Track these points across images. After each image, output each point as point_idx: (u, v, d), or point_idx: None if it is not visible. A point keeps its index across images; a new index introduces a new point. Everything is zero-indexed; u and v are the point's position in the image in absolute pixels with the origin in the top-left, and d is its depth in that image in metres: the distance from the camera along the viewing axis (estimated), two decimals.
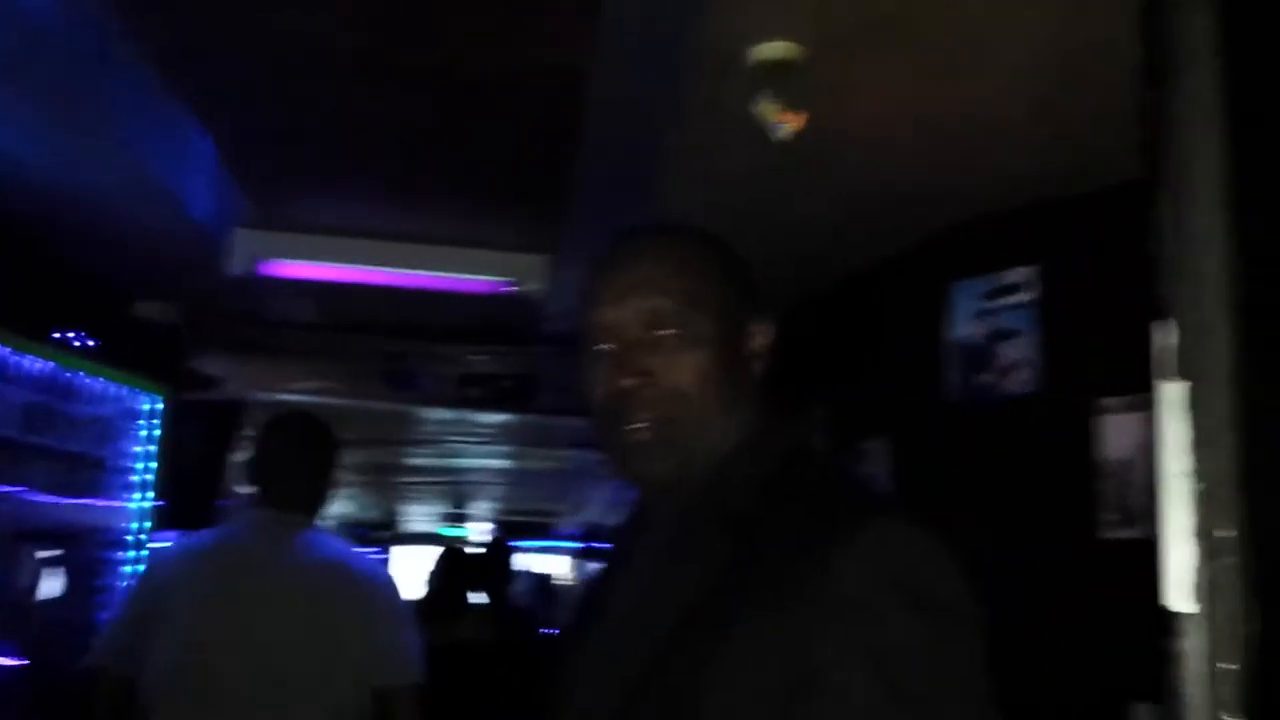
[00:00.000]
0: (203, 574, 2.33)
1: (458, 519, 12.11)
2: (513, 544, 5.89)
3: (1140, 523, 2.52)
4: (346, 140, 2.99)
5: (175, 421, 4.14)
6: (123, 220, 3.45)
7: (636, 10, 2.22)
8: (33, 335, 3.47)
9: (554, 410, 5.28)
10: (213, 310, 4.32)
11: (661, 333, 1.10)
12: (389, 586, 2.47)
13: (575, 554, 12.99)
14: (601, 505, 12.42)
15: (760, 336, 1.18)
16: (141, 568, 3.30)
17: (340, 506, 11.50)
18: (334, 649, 2.26)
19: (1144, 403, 2.57)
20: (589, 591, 1.29)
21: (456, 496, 11.08)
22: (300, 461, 2.46)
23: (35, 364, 3.50)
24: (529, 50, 2.40)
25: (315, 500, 2.47)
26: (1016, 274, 3.10)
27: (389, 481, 9.85)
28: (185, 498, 4.22)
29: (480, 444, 7.75)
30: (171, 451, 4.09)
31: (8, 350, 3.39)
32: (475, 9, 2.26)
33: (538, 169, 3.10)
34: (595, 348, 1.13)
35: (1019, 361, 3.00)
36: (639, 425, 1.09)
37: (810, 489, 1.09)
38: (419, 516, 12.67)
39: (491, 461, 8.81)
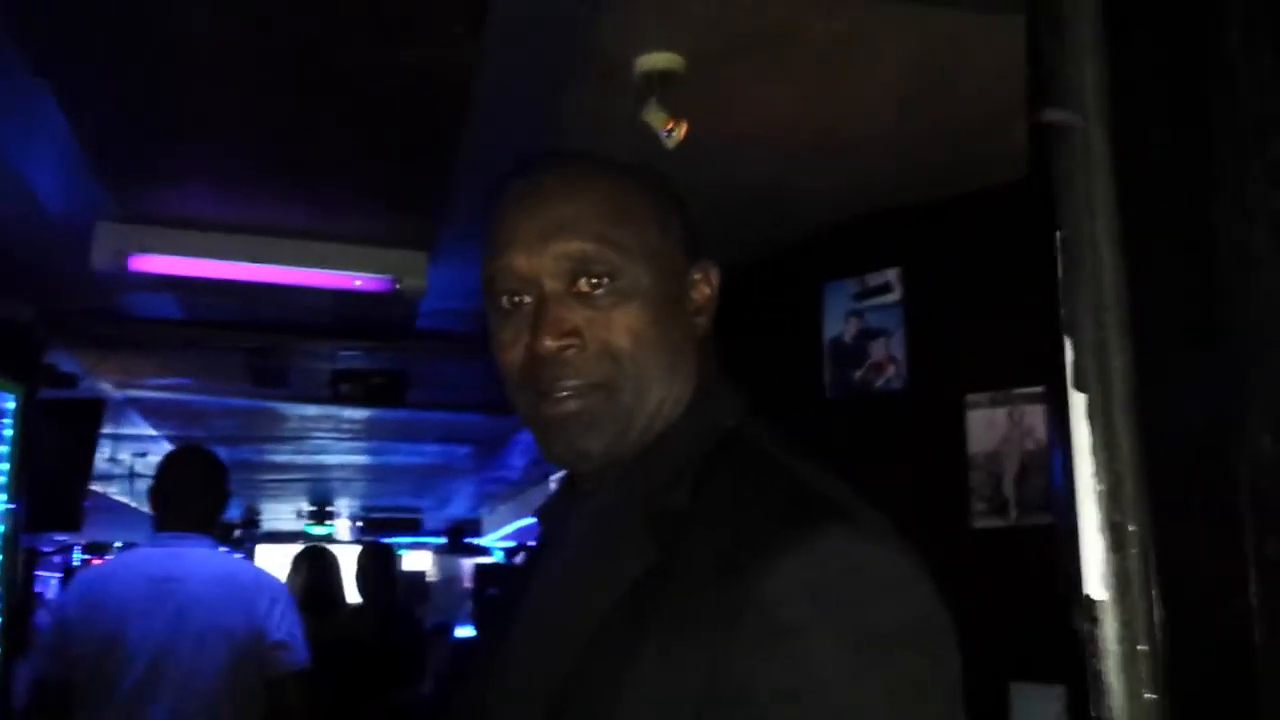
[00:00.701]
0: (119, 590, 2.79)
1: (322, 516, 11.87)
2: (393, 546, 5.84)
3: (1008, 512, 2.70)
4: (216, 131, 2.91)
5: (33, 420, 3.97)
6: None
7: (524, 13, 2.24)
8: None
9: (424, 405, 5.25)
10: (70, 306, 4.14)
11: (587, 284, 0.94)
12: (275, 589, 3.01)
13: (440, 550, 12.89)
14: (467, 500, 12.35)
15: (703, 285, 1.02)
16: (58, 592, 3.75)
17: None
18: (232, 648, 2.76)
19: (1006, 398, 2.77)
20: (507, 585, 1.21)
21: (321, 493, 10.85)
22: (197, 491, 3.01)
23: None
24: (411, 47, 2.39)
25: (209, 522, 3.01)
26: (883, 275, 3.25)
27: (251, 479, 9.59)
28: (47, 498, 4.06)
29: (346, 440, 7.62)
30: (29, 451, 3.92)
31: None
32: (354, 2, 2.24)
33: (416, 166, 3.08)
34: (505, 303, 0.98)
35: (889, 359, 3.14)
36: (564, 395, 0.95)
37: (747, 481, 0.93)
38: (282, 515, 12.36)
39: (357, 458, 8.68)
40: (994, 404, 2.82)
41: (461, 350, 4.48)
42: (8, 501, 3.86)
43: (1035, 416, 2.73)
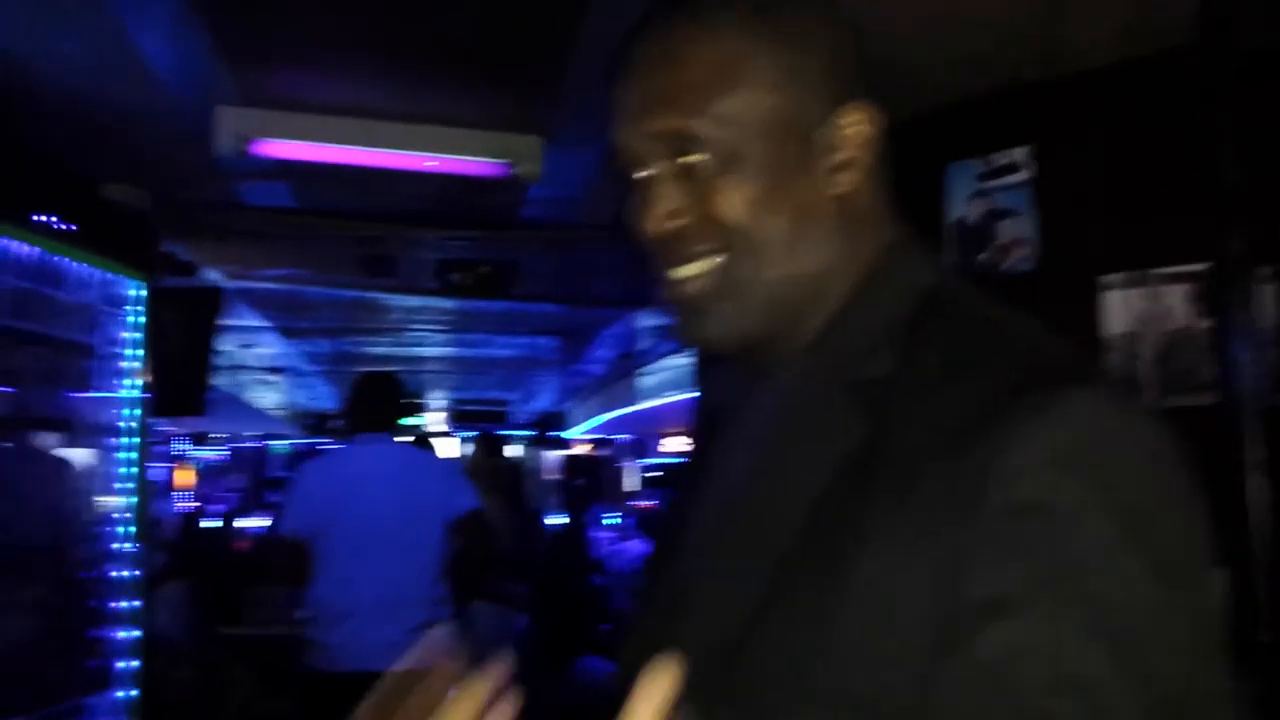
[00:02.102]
0: (340, 472, 3.84)
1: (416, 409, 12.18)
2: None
3: (1148, 393, 2.65)
4: (338, 13, 2.91)
5: (155, 308, 4.08)
6: (95, 98, 3.34)
7: None
8: (13, 219, 3.38)
9: (530, 297, 5.29)
10: (186, 195, 4.22)
11: (689, 161, 0.87)
12: (448, 464, 4.36)
13: (528, 442, 13.14)
14: (552, 394, 12.53)
15: (851, 132, 0.88)
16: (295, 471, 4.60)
17: (296, 397, 11.45)
18: (423, 511, 3.73)
19: (1144, 279, 2.70)
20: (677, 490, 1.08)
21: (414, 386, 11.09)
22: (386, 403, 3.96)
23: (18, 249, 3.42)
24: None
25: (392, 424, 3.98)
26: (1010, 154, 3.15)
27: (349, 372, 9.82)
28: (171, 386, 4.19)
29: (442, 332, 7.74)
30: (155, 339, 4.04)
31: None
32: None
33: (535, 47, 3.05)
34: (630, 176, 0.91)
35: (1016, 240, 3.07)
36: (680, 278, 0.89)
37: (965, 343, 0.83)
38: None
39: (451, 350, 8.81)
40: (1130, 284, 2.74)
41: (568, 240, 4.49)
42: (137, 387, 4.00)
43: (1175, 297, 2.65)
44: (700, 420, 1.08)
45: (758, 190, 0.85)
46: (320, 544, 3.70)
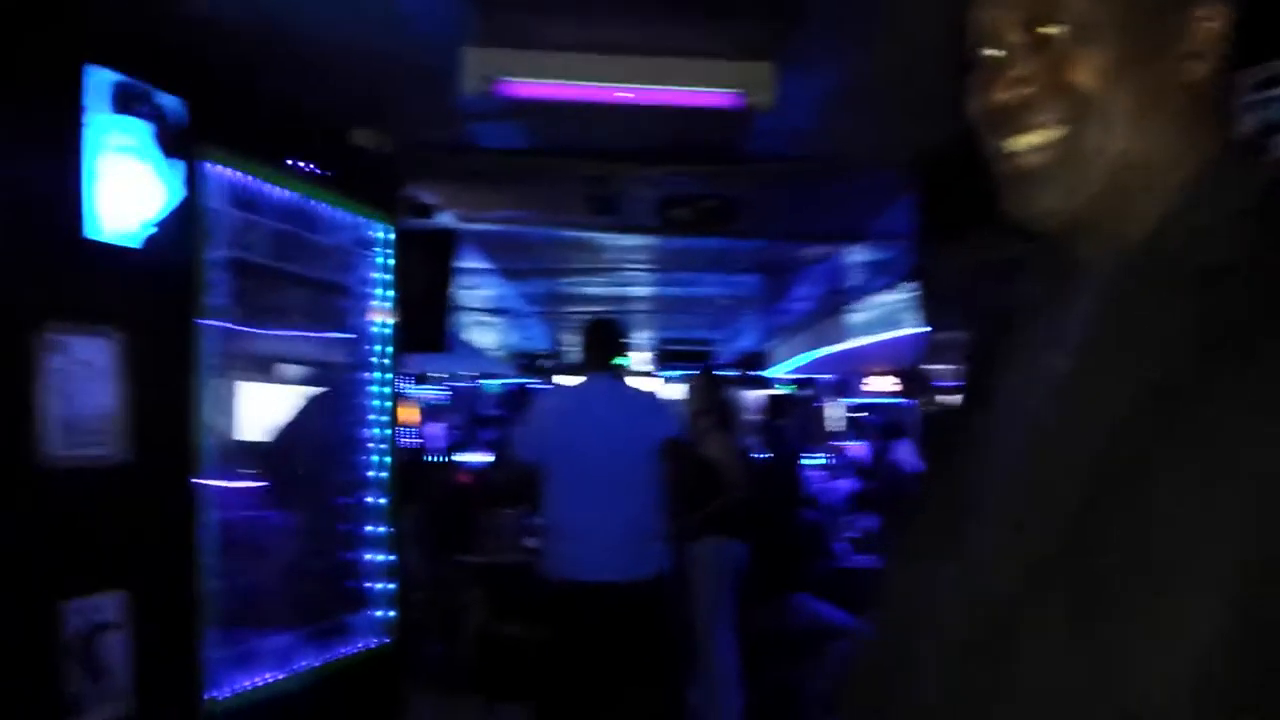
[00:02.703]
0: (572, 405, 4.37)
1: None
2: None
3: None
4: None
5: (399, 250, 4.26)
6: (339, 43, 3.46)
7: None
8: (273, 164, 3.58)
9: (749, 232, 5.25)
10: (423, 137, 4.36)
11: (1043, 30, 0.87)
12: (658, 400, 4.77)
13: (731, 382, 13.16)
14: (756, 333, 12.50)
15: (1207, 24, 0.88)
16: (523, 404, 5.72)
17: (511, 338, 11.83)
18: (639, 439, 4.18)
19: None
20: (964, 408, 1.02)
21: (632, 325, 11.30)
22: (610, 345, 4.44)
23: (278, 193, 3.63)
24: None
25: (614, 363, 4.43)
26: None
27: (559, 311, 10.06)
28: (416, 325, 4.39)
29: (655, 271, 7.80)
30: (400, 280, 4.22)
31: (253, 179, 3.52)
32: None
33: None
34: (974, 54, 0.93)
35: None
36: (1018, 150, 0.89)
37: None
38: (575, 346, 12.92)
39: (661, 289, 8.89)
40: None
41: (795, 173, 4.41)
42: (387, 325, 4.20)
43: None
44: (982, 340, 1.05)
45: (1113, 63, 0.86)
46: (550, 471, 4.15)
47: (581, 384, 4.46)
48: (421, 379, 12.09)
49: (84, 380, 2.76)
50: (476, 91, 3.33)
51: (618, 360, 4.54)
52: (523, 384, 12.45)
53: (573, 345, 12.89)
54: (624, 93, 3.30)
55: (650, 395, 4.84)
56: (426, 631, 5.61)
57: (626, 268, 7.43)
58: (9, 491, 2.60)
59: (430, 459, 9.01)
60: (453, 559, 6.15)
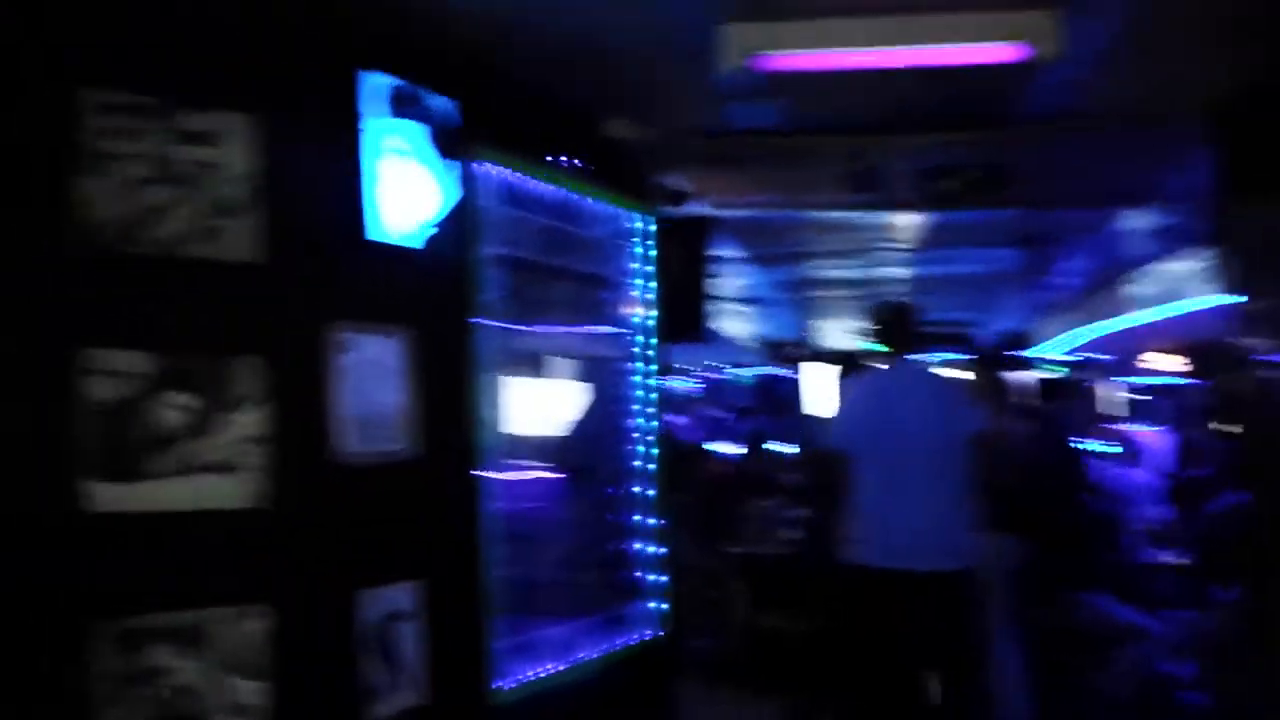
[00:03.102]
0: (882, 391, 4.26)
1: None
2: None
3: None
4: None
5: (657, 239, 4.23)
6: (592, 30, 3.40)
7: None
8: (537, 161, 3.61)
9: (1026, 201, 4.90)
10: (675, 122, 4.30)
11: None
12: (961, 386, 4.61)
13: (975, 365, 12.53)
14: (1020, 311, 11.82)
15: None
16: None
17: (757, 326, 11.73)
18: (956, 425, 4.12)
19: None
20: None
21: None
22: (908, 328, 4.34)
23: (542, 188, 3.66)
24: None
25: (912, 348, 4.34)
26: None
27: (809, 297, 9.88)
28: (675, 315, 4.35)
29: (907, 251, 7.48)
30: (660, 269, 4.19)
31: (519, 175, 3.56)
32: None
33: None
34: None
35: None
36: None
37: None
38: (829, 333, 12.69)
39: (913, 269, 8.52)
40: None
41: (1074, 132, 4.06)
42: (650, 316, 4.18)
43: None
44: None
45: None
46: (860, 458, 4.10)
47: (888, 370, 4.34)
48: (666, 370, 12.10)
49: (375, 378, 2.86)
50: (733, 69, 3.22)
51: (913, 344, 4.40)
52: (774, 374, 12.31)
53: (822, 330, 12.69)
54: (897, 55, 3.10)
55: (960, 384, 4.74)
56: (696, 622, 5.58)
57: (882, 247, 7.14)
58: (310, 486, 2.72)
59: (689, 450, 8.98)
60: (718, 550, 6.11)
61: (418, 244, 3.08)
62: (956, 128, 4.14)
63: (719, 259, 6.82)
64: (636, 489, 4.13)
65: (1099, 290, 9.51)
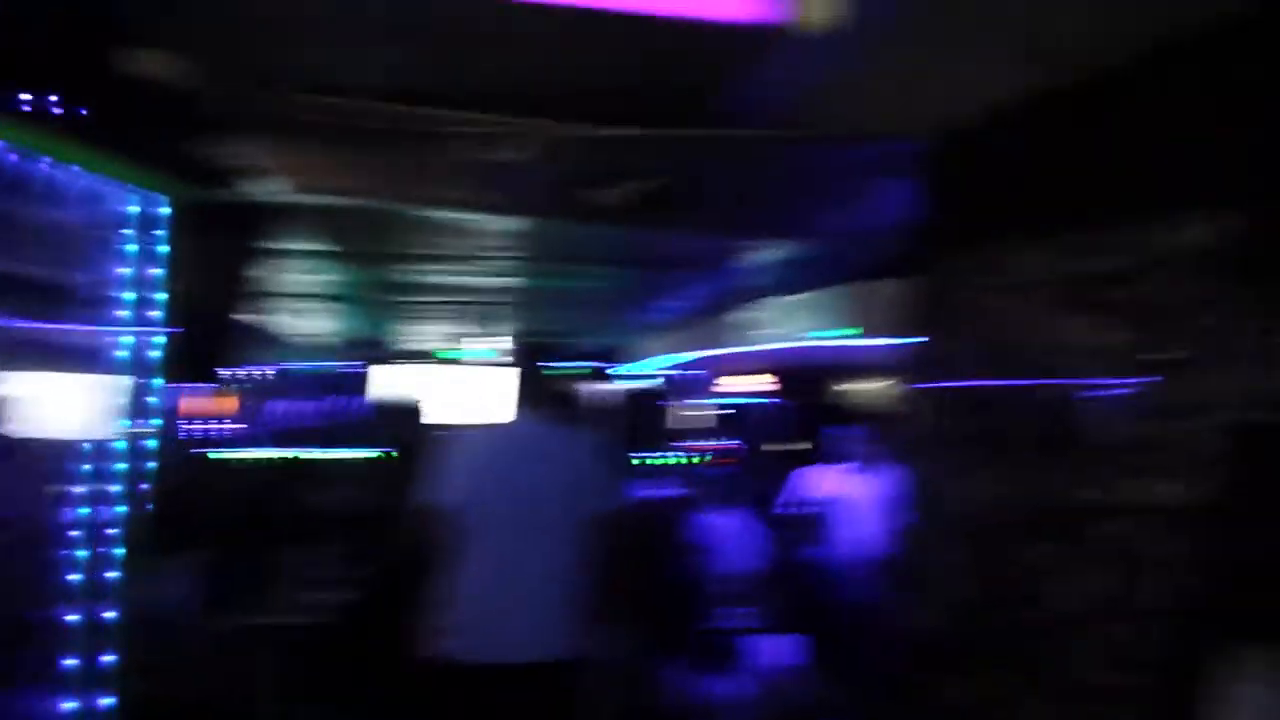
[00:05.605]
0: (485, 446, 3.57)
1: (472, 339, 11.20)
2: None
3: None
4: None
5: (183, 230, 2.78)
6: None
7: None
8: None
9: (689, 226, 3.91)
10: (241, 64, 2.86)
11: None
12: (601, 449, 3.69)
13: (584, 375, 12.14)
14: (622, 329, 11.45)
15: None
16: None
17: (330, 324, 10.37)
18: (574, 493, 3.49)
19: None
20: None
21: (473, 317, 9.95)
22: (539, 381, 3.72)
23: None
24: None
25: (543, 401, 3.67)
26: None
27: (392, 300, 8.68)
28: (195, 342, 2.94)
29: (518, 260, 6.44)
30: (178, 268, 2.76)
31: None
32: None
33: None
34: None
35: None
36: None
37: None
38: (419, 336, 11.66)
39: (521, 281, 7.53)
40: None
41: (792, 141, 3.11)
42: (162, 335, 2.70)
43: None
44: None
45: None
46: (455, 519, 3.47)
47: (516, 422, 3.67)
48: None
49: None
50: None
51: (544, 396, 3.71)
52: (340, 370, 10.97)
53: (404, 334, 11.49)
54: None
55: (605, 450, 3.83)
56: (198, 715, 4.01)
57: (484, 257, 5.96)
58: None
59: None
60: (232, 618, 4.49)
61: None
62: (645, 120, 3.02)
63: (285, 253, 5.28)
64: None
65: (710, 316, 9.17)
